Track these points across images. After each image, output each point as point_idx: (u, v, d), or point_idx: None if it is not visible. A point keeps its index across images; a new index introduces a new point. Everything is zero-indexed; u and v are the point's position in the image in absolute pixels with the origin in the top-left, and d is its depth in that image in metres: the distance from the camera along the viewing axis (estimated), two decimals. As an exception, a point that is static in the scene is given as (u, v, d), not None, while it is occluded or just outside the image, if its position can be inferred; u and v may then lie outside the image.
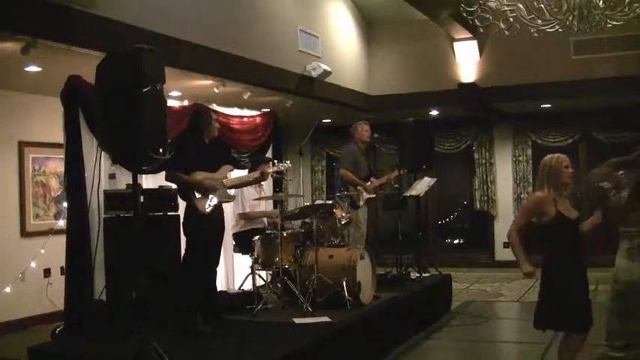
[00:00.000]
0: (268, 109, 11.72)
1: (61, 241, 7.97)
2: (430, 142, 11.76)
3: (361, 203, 10.13)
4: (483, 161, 15.85)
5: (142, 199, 7.41)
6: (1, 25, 6.44)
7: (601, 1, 7.90)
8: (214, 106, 10.14)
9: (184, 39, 8.52)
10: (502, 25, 8.39)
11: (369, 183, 10.28)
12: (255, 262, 8.39)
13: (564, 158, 5.94)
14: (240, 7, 9.89)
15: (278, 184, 11.06)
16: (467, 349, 8.73)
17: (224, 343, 6.84)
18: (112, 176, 8.17)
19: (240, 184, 8.14)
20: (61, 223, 9.26)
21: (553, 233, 5.85)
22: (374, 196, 10.46)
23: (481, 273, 14.77)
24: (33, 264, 9.83)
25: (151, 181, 8.73)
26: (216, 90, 9.81)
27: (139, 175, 6.27)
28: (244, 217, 9.31)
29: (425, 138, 11.29)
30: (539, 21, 8.22)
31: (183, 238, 7.68)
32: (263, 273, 8.91)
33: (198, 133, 7.51)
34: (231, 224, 9.22)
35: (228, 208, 8.62)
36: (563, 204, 5.85)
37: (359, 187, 10.10)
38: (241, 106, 11.11)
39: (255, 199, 9.18)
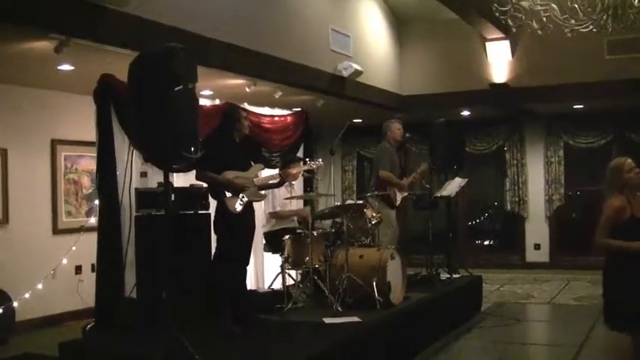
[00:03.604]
0: (299, 109, 11.71)
1: (93, 238, 8.01)
2: (461, 143, 11.70)
3: (398, 203, 10.07)
4: (515, 162, 15.77)
5: (173, 197, 7.43)
6: (34, 24, 6.49)
7: (636, 0, 7.81)
8: (246, 105, 10.15)
9: (216, 38, 8.53)
10: (535, 25, 8.32)
11: (403, 181, 10.22)
12: (285, 261, 8.38)
13: (624, 163, 5.93)
14: (271, 6, 9.91)
15: (309, 184, 11.04)
16: (497, 351, 8.66)
17: (253, 342, 6.83)
18: (143, 174, 8.18)
19: (267, 187, 8.10)
20: (93, 220, 9.30)
21: (623, 234, 5.78)
22: (407, 194, 10.41)
23: (512, 274, 14.70)
24: (64, 261, 9.89)
25: (182, 180, 8.74)
26: (247, 89, 9.82)
27: (170, 174, 6.29)
28: (275, 216, 9.31)
29: (456, 138, 11.24)
30: (573, 21, 8.14)
31: (213, 237, 7.68)
32: (293, 272, 8.90)
33: (228, 132, 7.51)
34: (261, 223, 9.23)
35: (258, 207, 8.62)
36: (637, 204, 5.85)
37: (395, 188, 10.03)
38: (272, 106, 11.11)
39: (286, 199, 9.18)
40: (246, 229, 7.47)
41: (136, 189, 7.82)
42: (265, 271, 10.30)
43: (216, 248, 7.48)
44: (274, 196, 9.21)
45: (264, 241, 9.40)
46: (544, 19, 8.22)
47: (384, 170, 9.95)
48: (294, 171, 8.39)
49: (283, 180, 8.09)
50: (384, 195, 9.82)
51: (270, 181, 8.02)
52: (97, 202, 8.09)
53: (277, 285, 8.84)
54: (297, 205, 9.73)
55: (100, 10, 6.86)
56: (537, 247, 15.71)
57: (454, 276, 10.54)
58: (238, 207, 7.21)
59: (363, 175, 17.28)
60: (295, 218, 9.45)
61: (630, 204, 5.81)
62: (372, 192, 9.84)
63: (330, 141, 9.85)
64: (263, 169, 8.13)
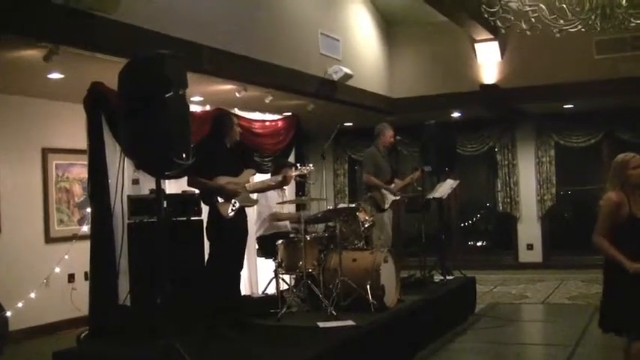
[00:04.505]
0: (290, 113, 11.72)
1: (85, 246, 8.00)
2: (452, 144, 11.70)
3: (386, 206, 10.09)
4: (506, 162, 15.78)
5: (165, 204, 7.43)
6: (23, 32, 6.47)
7: (624, 0, 7.83)
8: (236, 111, 10.15)
9: (206, 44, 8.53)
10: (524, 26, 8.33)
11: (392, 185, 10.23)
12: (278, 266, 8.39)
13: (630, 159, 5.82)
14: (261, 11, 9.90)
15: (301, 188, 11.05)
16: (492, 352, 8.67)
17: (248, 347, 6.82)
18: (135, 182, 8.18)
19: (262, 189, 8.14)
20: (85, 228, 9.29)
21: (623, 234, 5.74)
22: (398, 198, 10.41)
23: (505, 275, 14.70)
24: (57, 269, 9.87)
25: (174, 186, 8.74)
26: (237, 94, 9.81)
27: (162, 181, 6.28)
28: (273, 217, 9.25)
29: (447, 140, 11.23)
30: (562, 21, 8.15)
31: (206, 243, 7.68)
32: (287, 277, 8.90)
33: (220, 138, 7.52)
34: (254, 228, 9.21)
35: (251, 213, 8.61)
36: (636, 204, 5.76)
37: (383, 190, 10.05)
38: (263, 110, 11.12)
39: (279, 203, 9.17)
40: (239, 234, 7.48)
41: (128, 196, 7.83)
42: (259, 276, 10.31)
43: (209, 254, 7.49)
44: (268, 200, 9.18)
45: (257, 246, 9.40)
46: (533, 19, 8.24)
47: (367, 174, 10.02)
48: (291, 174, 8.44)
49: (285, 182, 8.16)
50: (373, 198, 9.86)
51: (271, 183, 8.08)
52: (89, 210, 8.08)
53: (271, 290, 8.83)
54: (289, 210, 9.73)
55: (90, 18, 6.84)
56: (530, 247, 15.71)
57: (448, 278, 10.52)
58: (230, 212, 7.22)
59: (355, 178, 17.28)
60: (288, 223, 9.42)
61: (629, 202, 5.76)
62: (364, 195, 9.87)
63: (322, 145, 9.85)
64: (254, 174, 8.14)
